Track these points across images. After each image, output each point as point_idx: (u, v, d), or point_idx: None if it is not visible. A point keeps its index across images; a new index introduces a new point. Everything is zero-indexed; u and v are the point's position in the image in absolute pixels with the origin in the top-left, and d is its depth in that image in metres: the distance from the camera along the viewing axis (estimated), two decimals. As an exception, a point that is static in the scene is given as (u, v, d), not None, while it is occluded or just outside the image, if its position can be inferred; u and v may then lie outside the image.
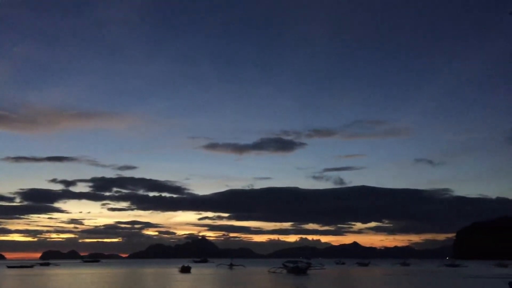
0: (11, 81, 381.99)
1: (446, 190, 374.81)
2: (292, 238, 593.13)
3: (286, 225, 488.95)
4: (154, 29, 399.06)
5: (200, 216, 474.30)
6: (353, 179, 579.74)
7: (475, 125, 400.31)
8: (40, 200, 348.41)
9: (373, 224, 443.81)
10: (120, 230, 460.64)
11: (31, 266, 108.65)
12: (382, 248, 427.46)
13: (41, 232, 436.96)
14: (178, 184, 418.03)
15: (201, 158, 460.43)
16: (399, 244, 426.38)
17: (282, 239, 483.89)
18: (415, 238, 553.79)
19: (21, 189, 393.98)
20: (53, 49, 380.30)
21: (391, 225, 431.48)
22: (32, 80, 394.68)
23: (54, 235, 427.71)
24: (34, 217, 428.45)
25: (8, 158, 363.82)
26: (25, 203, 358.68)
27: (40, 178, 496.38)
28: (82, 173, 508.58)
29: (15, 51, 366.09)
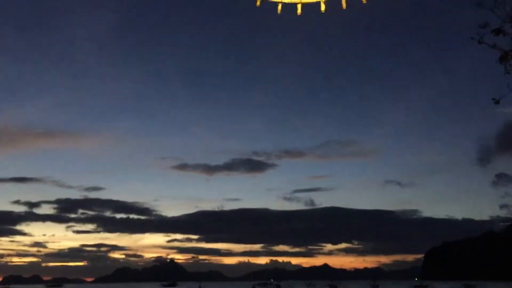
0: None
1: (415, 211, 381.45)
2: (263, 260, 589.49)
3: (257, 247, 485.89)
4: (124, 48, 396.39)
5: (169, 239, 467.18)
6: (323, 200, 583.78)
7: (442, 147, 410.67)
8: (1, 223, 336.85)
9: (343, 245, 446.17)
10: (86, 254, 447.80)
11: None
12: (352, 270, 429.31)
13: (1, 255, 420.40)
14: (146, 206, 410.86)
15: (171, 179, 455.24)
16: (369, 266, 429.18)
17: (252, 261, 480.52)
18: (384, 259, 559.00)
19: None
20: (19, 67, 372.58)
21: (361, 246, 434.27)
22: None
23: (16, 259, 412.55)
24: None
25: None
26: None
27: (3, 200, 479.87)
28: (46, 194, 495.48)
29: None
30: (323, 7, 1.87)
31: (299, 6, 1.89)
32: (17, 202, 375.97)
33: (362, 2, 1.84)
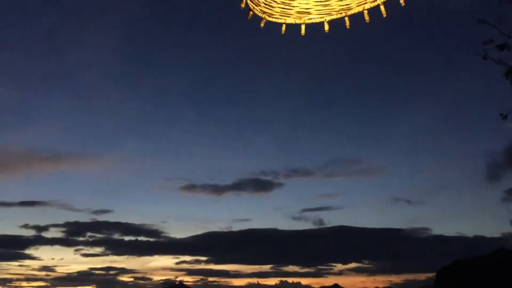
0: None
1: (425, 229, 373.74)
2: (272, 281, 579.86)
3: (266, 267, 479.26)
4: (129, 70, 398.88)
5: (178, 260, 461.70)
6: (332, 219, 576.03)
7: (450, 164, 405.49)
8: (10, 247, 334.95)
9: (353, 265, 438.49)
10: (94, 277, 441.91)
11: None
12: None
13: (10, 280, 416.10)
14: (155, 227, 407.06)
15: (179, 200, 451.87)
16: (380, 285, 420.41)
17: (262, 282, 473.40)
18: (395, 278, 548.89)
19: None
20: (25, 90, 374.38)
21: (372, 265, 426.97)
22: (4, 123, 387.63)
23: (24, 283, 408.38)
24: (4, 264, 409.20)
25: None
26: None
27: (12, 224, 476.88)
28: (55, 218, 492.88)
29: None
30: (326, 27, 1.88)
31: (303, 27, 1.89)
32: (25, 226, 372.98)
33: (365, 20, 1.85)
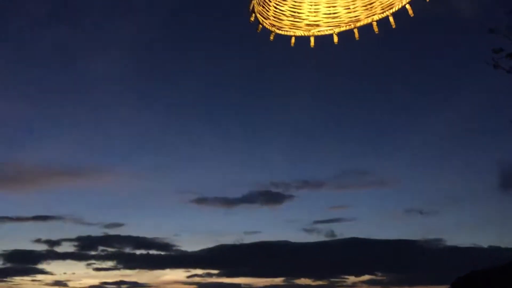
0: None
1: (438, 240, 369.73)
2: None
3: (278, 280, 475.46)
4: (141, 84, 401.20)
5: (189, 274, 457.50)
6: (344, 231, 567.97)
7: (463, 173, 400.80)
8: (23, 262, 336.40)
9: (366, 277, 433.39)
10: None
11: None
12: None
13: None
14: (166, 241, 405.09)
15: (190, 213, 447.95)
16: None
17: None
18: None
19: (4, 250, 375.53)
20: (38, 106, 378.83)
21: (385, 277, 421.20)
22: (17, 138, 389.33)
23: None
24: (17, 279, 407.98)
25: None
26: (8, 265, 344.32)
27: (24, 239, 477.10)
28: (67, 232, 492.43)
29: (0, 110, 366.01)
30: (336, 39, 1.88)
31: (312, 39, 1.90)
32: (38, 240, 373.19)
33: (374, 31, 1.85)
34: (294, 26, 1.88)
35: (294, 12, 1.88)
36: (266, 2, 1.81)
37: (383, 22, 1.81)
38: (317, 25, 1.88)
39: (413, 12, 1.73)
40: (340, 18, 1.87)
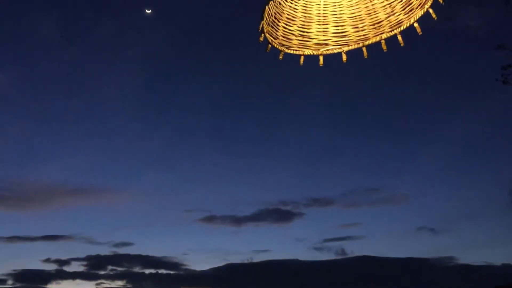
0: (6, 159, 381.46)
1: (451, 258, 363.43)
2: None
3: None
4: (149, 104, 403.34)
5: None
6: (354, 249, 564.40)
7: (475, 191, 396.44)
8: (33, 282, 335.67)
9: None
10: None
11: None
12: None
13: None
14: (175, 260, 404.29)
15: (199, 232, 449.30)
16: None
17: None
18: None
19: (14, 270, 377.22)
20: (48, 126, 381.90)
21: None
22: (28, 158, 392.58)
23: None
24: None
25: (2, 238, 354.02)
26: (18, 285, 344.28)
27: (34, 258, 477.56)
28: (76, 251, 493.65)
29: (11, 131, 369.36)
30: (344, 57, 1.90)
31: (321, 58, 1.92)
32: (47, 260, 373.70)
33: (383, 49, 1.86)
34: (303, 45, 1.90)
35: (303, 31, 1.90)
36: (275, 22, 1.83)
37: (391, 39, 1.83)
38: (326, 44, 1.89)
39: (421, 30, 1.74)
40: (349, 37, 1.89)
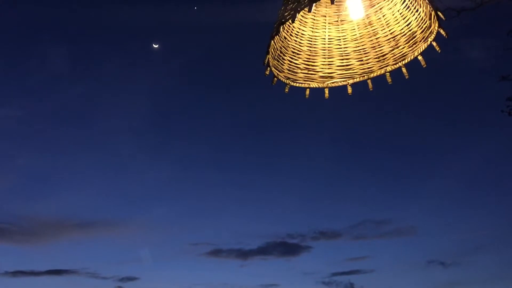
0: (12, 193, 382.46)
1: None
2: None
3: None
4: (155, 136, 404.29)
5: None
6: (363, 284, 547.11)
7: (485, 222, 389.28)
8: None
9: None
10: None
11: None
12: None
13: None
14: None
15: (204, 266, 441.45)
16: None
17: None
18: None
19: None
20: (54, 158, 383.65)
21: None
22: (33, 191, 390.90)
23: None
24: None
25: (6, 273, 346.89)
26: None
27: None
28: (81, 286, 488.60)
29: (20, 164, 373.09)
30: (349, 90, 1.92)
31: (326, 90, 1.94)
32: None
33: (388, 82, 1.88)
34: (308, 78, 1.91)
35: (309, 65, 1.92)
36: (281, 56, 1.86)
37: (396, 72, 1.84)
38: (331, 77, 1.91)
39: (426, 62, 1.76)
40: (354, 70, 1.91)
